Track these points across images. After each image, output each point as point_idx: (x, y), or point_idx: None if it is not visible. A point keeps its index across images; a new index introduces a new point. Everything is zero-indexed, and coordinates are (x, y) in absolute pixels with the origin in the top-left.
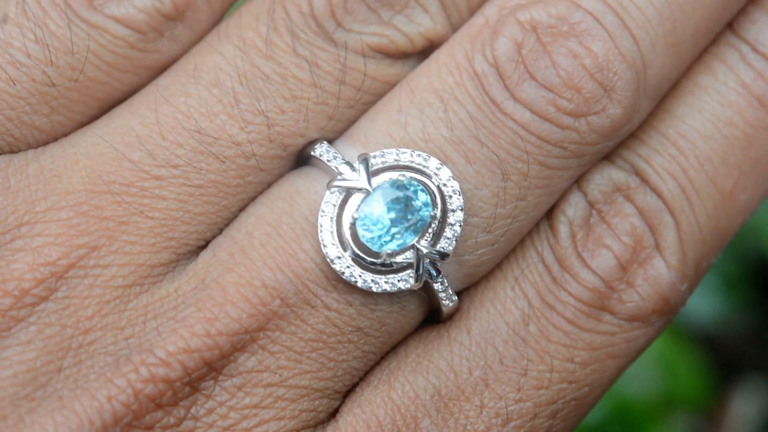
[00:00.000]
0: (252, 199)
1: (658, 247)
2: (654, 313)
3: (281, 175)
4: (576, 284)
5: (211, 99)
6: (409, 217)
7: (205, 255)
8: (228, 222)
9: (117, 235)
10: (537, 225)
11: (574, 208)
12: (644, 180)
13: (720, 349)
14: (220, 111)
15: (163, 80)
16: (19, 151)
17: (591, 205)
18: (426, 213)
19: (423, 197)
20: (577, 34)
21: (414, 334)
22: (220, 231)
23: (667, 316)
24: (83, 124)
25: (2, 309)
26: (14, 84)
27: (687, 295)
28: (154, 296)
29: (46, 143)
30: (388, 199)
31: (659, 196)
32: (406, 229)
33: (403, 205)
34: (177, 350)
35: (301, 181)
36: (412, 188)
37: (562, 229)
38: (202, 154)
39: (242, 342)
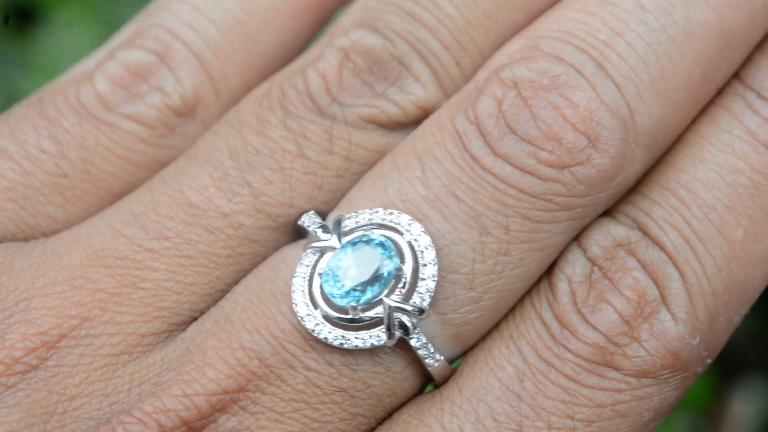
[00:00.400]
0: (246, 271)
1: (663, 300)
2: (664, 368)
3: (276, 248)
4: (575, 340)
5: (202, 174)
6: (374, 271)
7: (194, 325)
8: (222, 294)
9: (109, 306)
10: (537, 284)
11: (573, 265)
12: (646, 233)
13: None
14: (210, 185)
15: (167, 167)
16: (33, 239)
17: (591, 261)
18: (392, 266)
19: (389, 251)
20: (558, 87)
21: (411, 399)
22: (215, 302)
23: (681, 372)
24: None
25: None
26: (28, 176)
27: (704, 352)
28: (141, 364)
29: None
30: (354, 254)
31: (661, 248)
32: (371, 283)
33: (367, 260)
34: (153, 410)
35: (289, 251)
36: (377, 242)
37: (561, 287)
38: (192, 226)
39: (222, 402)
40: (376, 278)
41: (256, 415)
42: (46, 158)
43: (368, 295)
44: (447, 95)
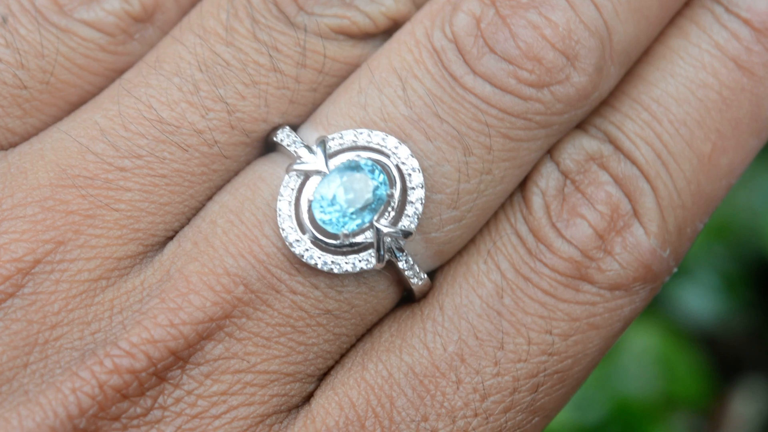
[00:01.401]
0: (219, 187)
1: (636, 214)
2: (636, 280)
3: (248, 163)
4: (551, 255)
5: (171, 87)
6: (365, 196)
7: (171, 246)
8: (195, 211)
9: (83, 229)
10: (510, 198)
11: (546, 178)
12: (618, 147)
13: (720, 349)
14: (181, 99)
15: (127, 74)
16: None
17: (564, 174)
18: (383, 192)
19: (379, 176)
20: (537, 5)
21: (389, 315)
22: (188, 221)
23: (651, 284)
24: None
25: None
26: None
27: (672, 262)
28: (120, 290)
29: (18, 145)
30: (344, 180)
31: (634, 162)
32: (363, 209)
33: (358, 185)
34: (140, 341)
35: (264, 167)
36: (368, 168)
37: (536, 201)
38: (165, 143)
39: (208, 330)
40: (368, 203)
41: (242, 341)
42: (4, 68)
43: (359, 220)
44: (417, 6)
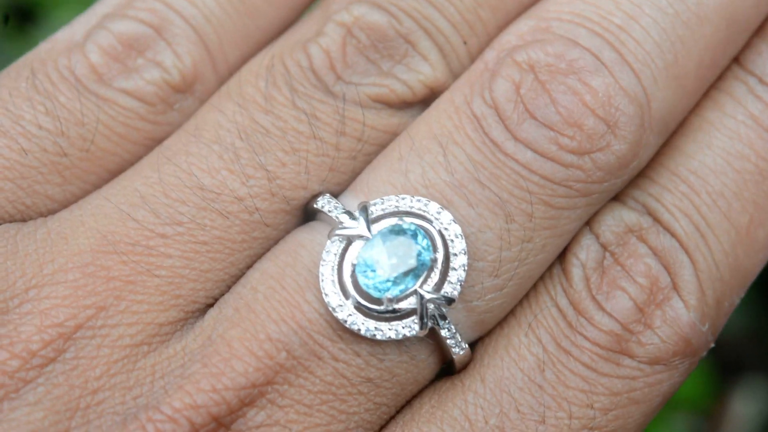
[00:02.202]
0: (259, 255)
1: (675, 287)
2: (676, 355)
3: (287, 231)
4: (592, 328)
5: (211, 155)
6: (409, 261)
7: (212, 312)
8: (236, 279)
9: (124, 295)
10: (550, 269)
11: (586, 250)
12: (656, 219)
13: (720, 349)
14: (221, 167)
15: (167, 142)
16: (31, 219)
17: (604, 247)
18: (427, 257)
19: (423, 241)
20: (576, 71)
21: (429, 386)
22: (228, 288)
23: (690, 358)
24: None
25: (10, 371)
26: (26, 154)
27: (710, 336)
28: (162, 355)
29: (57, 212)
30: (388, 244)
31: (672, 234)
32: (407, 274)
33: (402, 250)
34: (183, 406)
35: (304, 234)
36: (411, 232)
37: (575, 273)
38: (206, 211)
39: (250, 396)
40: (411, 269)
41: (284, 408)
42: (45, 135)
43: (403, 286)
44: (454, 75)
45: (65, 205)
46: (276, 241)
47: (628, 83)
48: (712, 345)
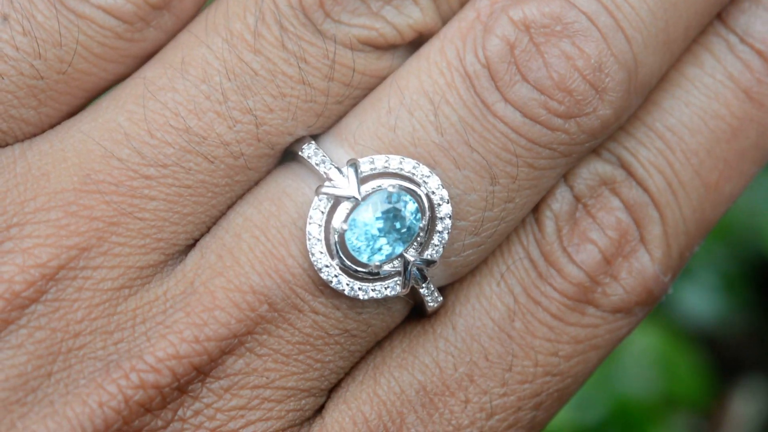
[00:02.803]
0: (239, 196)
1: (642, 240)
2: (637, 304)
3: (268, 172)
4: (561, 279)
5: (198, 95)
6: (398, 227)
7: (193, 256)
8: (216, 220)
9: (106, 236)
10: (523, 220)
11: (560, 202)
12: (630, 173)
13: (720, 349)
14: (208, 108)
15: (150, 73)
16: (6, 144)
17: (577, 199)
18: (415, 223)
19: (412, 208)
20: (571, 35)
21: (398, 329)
22: (209, 229)
23: (649, 306)
24: (70, 115)
25: None
26: (2, 78)
27: (669, 284)
28: (143, 299)
29: (33, 135)
30: (378, 211)
31: (645, 190)
32: (395, 240)
33: (392, 216)
34: (166, 356)
35: (288, 181)
36: (402, 198)
37: (548, 224)
38: (191, 154)
39: (230, 346)
40: (399, 234)
41: (262, 357)
42: (22, 58)
43: (390, 250)
44: (443, 19)
45: (40, 127)
46: (256, 183)
47: (620, 50)
48: (670, 291)
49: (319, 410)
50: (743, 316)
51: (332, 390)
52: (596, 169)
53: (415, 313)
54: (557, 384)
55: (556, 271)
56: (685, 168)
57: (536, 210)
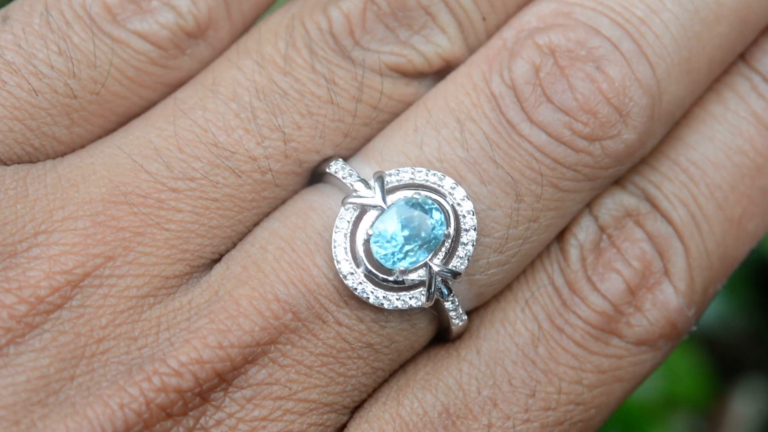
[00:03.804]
0: (266, 214)
1: (666, 272)
2: (661, 337)
3: (296, 192)
4: (585, 307)
5: (228, 113)
6: (423, 235)
7: (218, 268)
8: (242, 236)
9: (133, 246)
10: (548, 247)
11: (585, 231)
12: (655, 206)
13: (720, 349)
14: (237, 125)
15: (181, 94)
16: (38, 161)
17: (602, 229)
18: (440, 232)
19: (437, 216)
20: (595, 59)
21: (423, 352)
22: (234, 245)
23: (674, 341)
24: (101, 137)
25: (18, 315)
26: (36, 95)
27: (694, 320)
28: (167, 307)
29: (64, 154)
30: (403, 217)
31: (669, 222)
32: (420, 247)
33: (417, 223)
34: (189, 360)
35: (315, 197)
36: (426, 206)
37: (573, 253)
38: (219, 168)
39: (253, 354)
40: (424, 242)
41: (285, 368)
42: (56, 76)
43: (415, 258)
44: (470, 49)
45: (71, 147)
46: (284, 201)
47: (644, 75)
48: (694, 328)
49: (341, 429)
50: (743, 316)
51: (355, 410)
52: (621, 200)
53: (439, 339)
54: (581, 414)
55: (580, 299)
56: (709, 202)
57: (561, 239)
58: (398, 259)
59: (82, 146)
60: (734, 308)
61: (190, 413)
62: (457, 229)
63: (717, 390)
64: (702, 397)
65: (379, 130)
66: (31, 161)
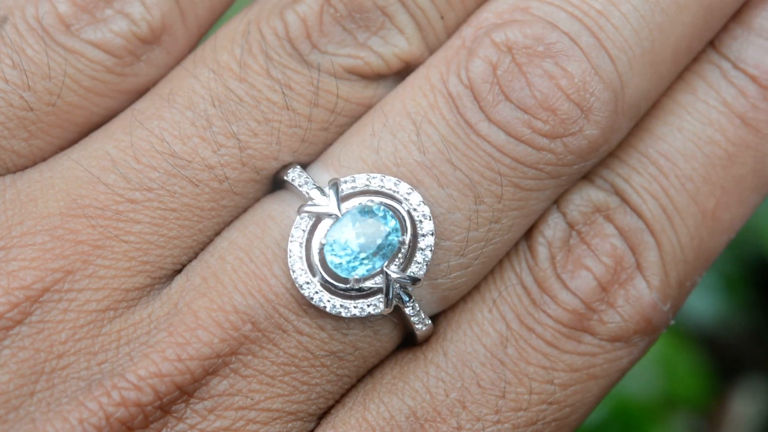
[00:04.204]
0: (227, 223)
1: (639, 267)
2: (636, 333)
3: (256, 200)
4: (555, 306)
5: (184, 122)
6: (378, 242)
7: (179, 279)
8: (203, 245)
9: (92, 259)
10: (516, 246)
11: (553, 229)
12: (624, 200)
13: (720, 349)
14: (193, 134)
15: (139, 105)
16: None
17: (570, 226)
18: (395, 238)
19: (392, 223)
20: (553, 55)
21: (390, 356)
22: (196, 254)
23: (650, 336)
24: (62, 148)
25: None
26: None
27: (671, 315)
28: (127, 321)
29: (24, 167)
30: (357, 225)
31: (640, 216)
32: (375, 254)
33: (371, 231)
34: (148, 374)
35: (274, 206)
36: (380, 213)
37: (541, 251)
38: (176, 177)
39: (214, 366)
40: (379, 249)
41: (247, 378)
42: (11, 90)
43: (370, 265)
44: (430, 49)
45: (32, 159)
46: (244, 210)
47: (604, 69)
48: (672, 322)
49: None
50: (743, 316)
51: (321, 417)
52: (589, 195)
53: (407, 343)
54: (554, 413)
55: (550, 297)
56: (680, 194)
57: (529, 237)
58: (353, 267)
59: (43, 158)
60: (734, 308)
61: (152, 426)
62: (414, 235)
63: (717, 390)
64: (702, 397)
65: (339, 134)
66: None
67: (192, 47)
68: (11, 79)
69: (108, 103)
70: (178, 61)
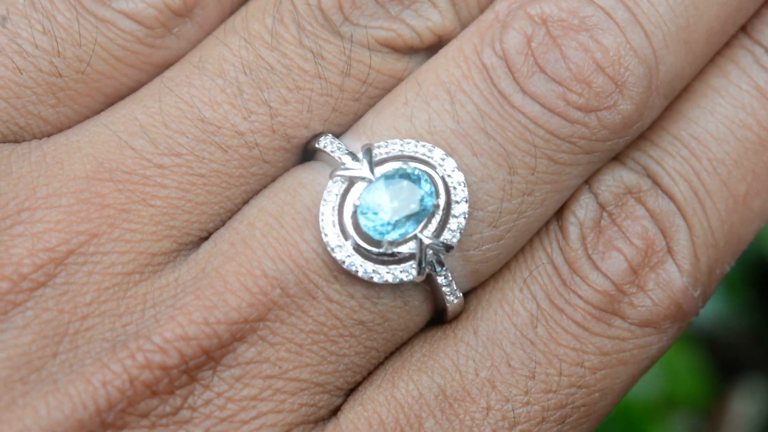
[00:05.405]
0: (256, 191)
1: (670, 251)
2: (666, 318)
3: (286, 169)
4: (586, 287)
5: (214, 88)
6: (411, 206)
7: (206, 245)
8: (231, 213)
9: (118, 223)
10: (546, 225)
11: (584, 209)
12: (656, 182)
13: (720, 349)
14: (223, 100)
15: (169, 72)
16: (24, 141)
17: (602, 206)
18: (429, 202)
19: (426, 187)
20: (588, 28)
21: (419, 333)
22: (223, 222)
23: (680, 323)
24: (88, 118)
25: (0, 293)
26: (21, 73)
27: (701, 302)
28: (153, 285)
29: (51, 135)
30: (391, 188)
31: (671, 198)
32: (408, 218)
33: (405, 194)
34: (174, 337)
35: (305, 174)
36: (415, 177)
37: (572, 231)
38: (205, 143)
39: (241, 332)
40: (413, 213)
41: (275, 345)
42: (40, 55)
43: (403, 229)
44: (462, 23)
45: (58, 127)
46: (273, 179)
47: (639, 44)
48: (701, 310)
49: (335, 411)
50: (743, 316)
51: (350, 393)
52: (621, 177)
53: (436, 322)
54: (583, 398)
55: (581, 278)
56: (712, 177)
57: (560, 217)
58: (386, 230)
59: (70, 127)
60: (734, 308)
61: (177, 392)
62: (448, 202)
63: (717, 390)
64: (702, 397)
65: (370, 105)
66: (16, 141)
67: (223, 21)
68: (41, 44)
69: (137, 75)
70: (208, 35)
